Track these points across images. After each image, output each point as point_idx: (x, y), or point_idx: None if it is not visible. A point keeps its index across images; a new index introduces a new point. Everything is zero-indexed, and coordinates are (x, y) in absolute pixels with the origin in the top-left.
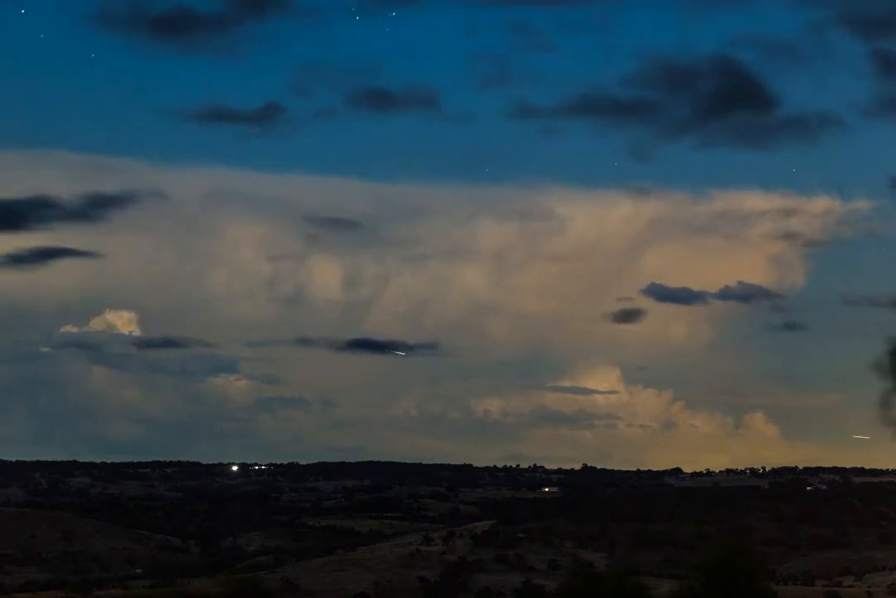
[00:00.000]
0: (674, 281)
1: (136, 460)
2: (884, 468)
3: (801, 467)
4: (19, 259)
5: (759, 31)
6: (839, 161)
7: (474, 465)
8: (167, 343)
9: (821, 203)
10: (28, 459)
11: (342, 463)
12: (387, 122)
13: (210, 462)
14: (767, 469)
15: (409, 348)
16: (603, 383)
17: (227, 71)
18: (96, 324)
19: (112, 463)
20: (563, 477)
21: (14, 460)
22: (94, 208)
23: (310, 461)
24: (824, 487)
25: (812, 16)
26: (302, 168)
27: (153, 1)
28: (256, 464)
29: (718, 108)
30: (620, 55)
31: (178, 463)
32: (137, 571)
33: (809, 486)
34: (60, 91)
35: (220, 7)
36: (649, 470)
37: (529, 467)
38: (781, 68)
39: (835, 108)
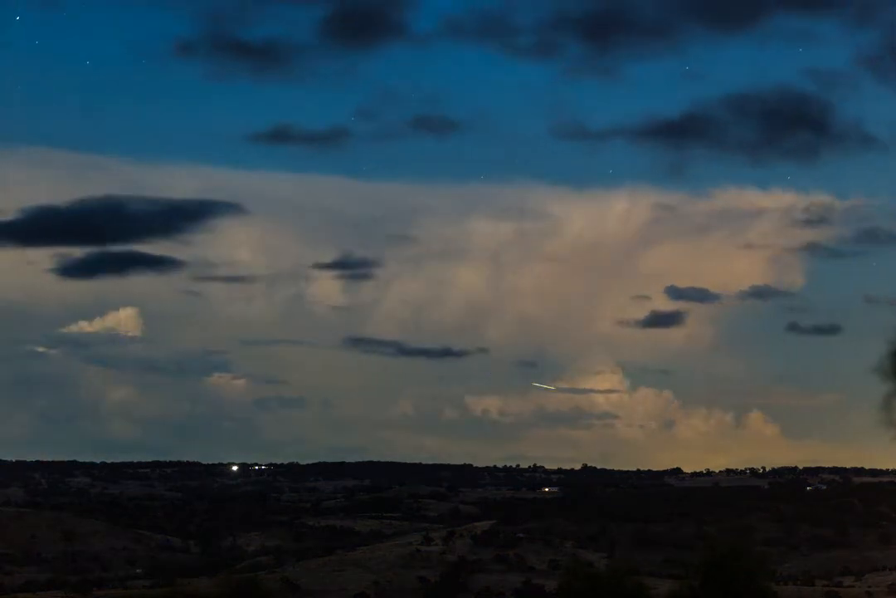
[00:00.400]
0: (677, 281)
1: (136, 460)
2: (884, 468)
3: (801, 467)
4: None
5: (818, 64)
6: (866, 171)
7: (474, 465)
8: (167, 343)
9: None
10: (28, 459)
11: (342, 463)
12: (441, 142)
13: (210, 462)
14: (767, 469)
15: (459, 354)
16: (603, 383)
17: (300, 95)
18: (96, 324)
19: (112, 463)
20: (563, 477)
21: (14, 460)
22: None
23: (310, 461)
24: (824, 487)
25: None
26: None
27: (241, 29)
28: (256, 464)
29: (770, 130)
30: (683, 83)
31: (178, 463)
32: (137, 571)
33: (809, 486)
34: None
35: (306, 36)
36: (649, 470)
37: (529, 467)
38: (834, 94)
39: (878, 127)
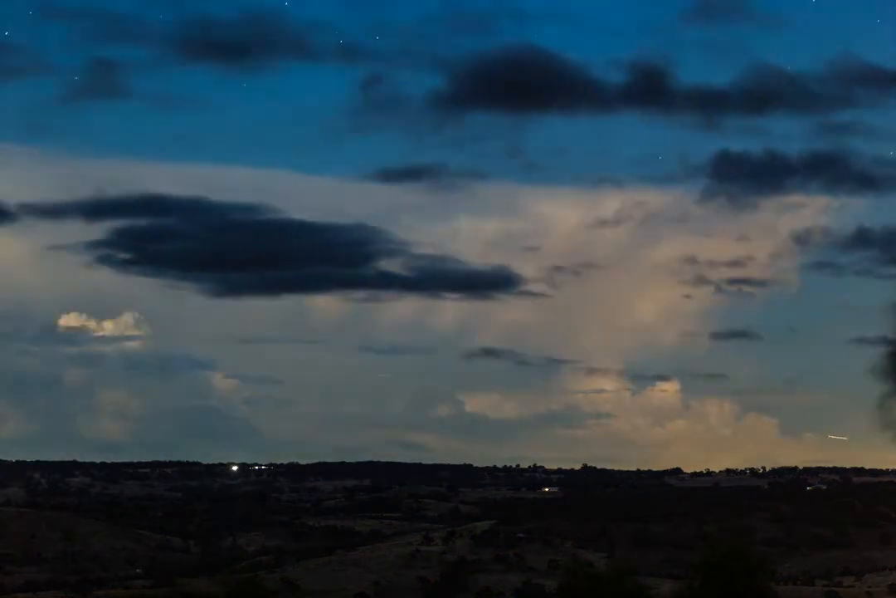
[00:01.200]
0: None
1: (136, 460)
2: (884, 468)
3: (801, 467)
4: None
5: None
6: None
7: (474, 465)
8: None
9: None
10: (28, 459)
11: (342, 463)
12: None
13: (210, 462)
14: (767, 469)
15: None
16: (603, 382)
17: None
18: (102, 326)
19: (112, 463)
20: (563, 477)
21: (14, 460)
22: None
23: (310, 461)
24: (824, 487)
25: None
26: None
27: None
28: (256, 464)
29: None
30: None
31: (178, 463)
32: (137, 571)
33: (809, 486)
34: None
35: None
36: (649, 470)
37: (529, 467)
38: None
39: None
